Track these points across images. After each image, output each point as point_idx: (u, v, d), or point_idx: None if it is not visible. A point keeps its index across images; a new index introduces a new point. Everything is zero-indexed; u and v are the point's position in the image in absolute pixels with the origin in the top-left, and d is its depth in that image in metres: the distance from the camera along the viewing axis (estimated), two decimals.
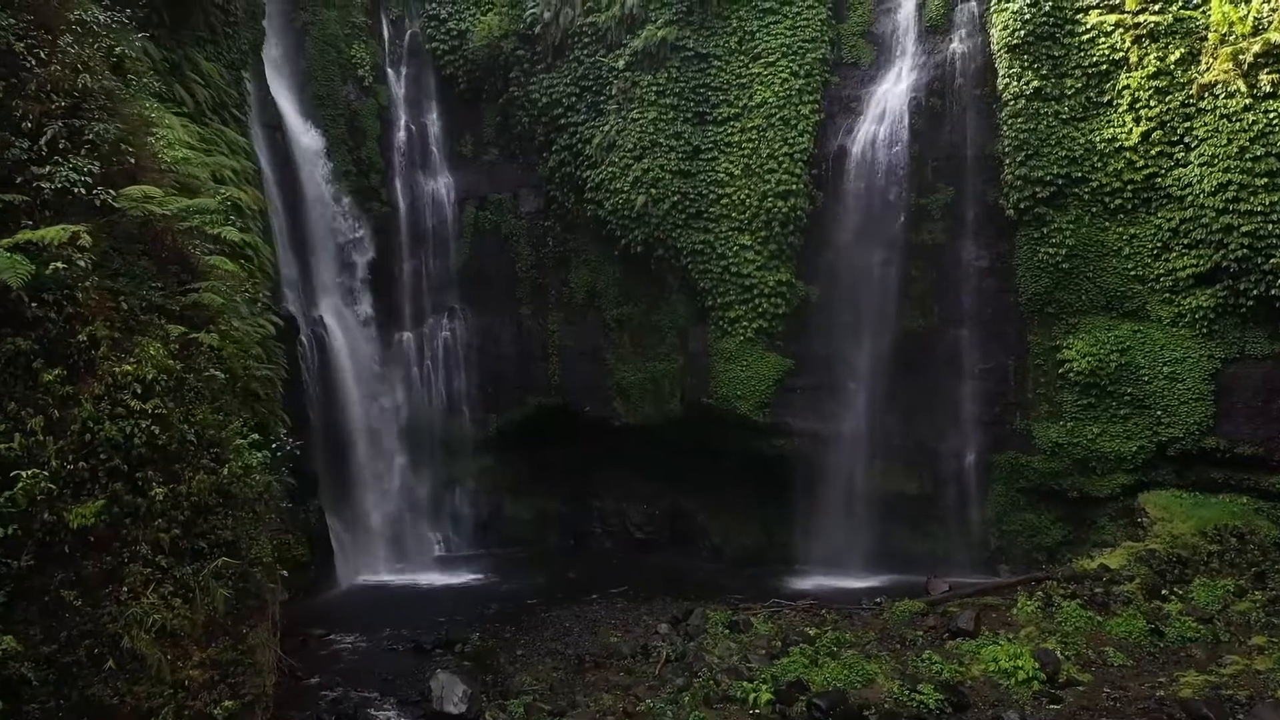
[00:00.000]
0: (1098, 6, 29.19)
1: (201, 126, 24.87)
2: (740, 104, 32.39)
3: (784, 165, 31.63)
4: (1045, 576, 24.55)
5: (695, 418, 33.09)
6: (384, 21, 35.79)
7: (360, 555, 31.04)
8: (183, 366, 13.48)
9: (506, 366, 35.55)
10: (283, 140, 30.99)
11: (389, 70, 35.71)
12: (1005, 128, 29.82)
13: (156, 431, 12.73)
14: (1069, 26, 29.40)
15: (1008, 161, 29.82)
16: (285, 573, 16.66)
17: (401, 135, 35.63)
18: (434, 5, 35.62)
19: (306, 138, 31.96)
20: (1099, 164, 29.04)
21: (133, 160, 14.32)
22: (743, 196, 31.91)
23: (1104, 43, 28.99)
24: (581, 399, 34.86)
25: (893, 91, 31.54)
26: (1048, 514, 30.08)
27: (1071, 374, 29.24)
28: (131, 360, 12.69)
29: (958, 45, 31.07)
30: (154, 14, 23.52)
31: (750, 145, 32.06)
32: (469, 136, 36.24)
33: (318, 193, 31.88)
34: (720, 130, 32.50)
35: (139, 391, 12.66)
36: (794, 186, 31.55)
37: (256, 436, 14.38)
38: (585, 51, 33.77)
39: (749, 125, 32.18)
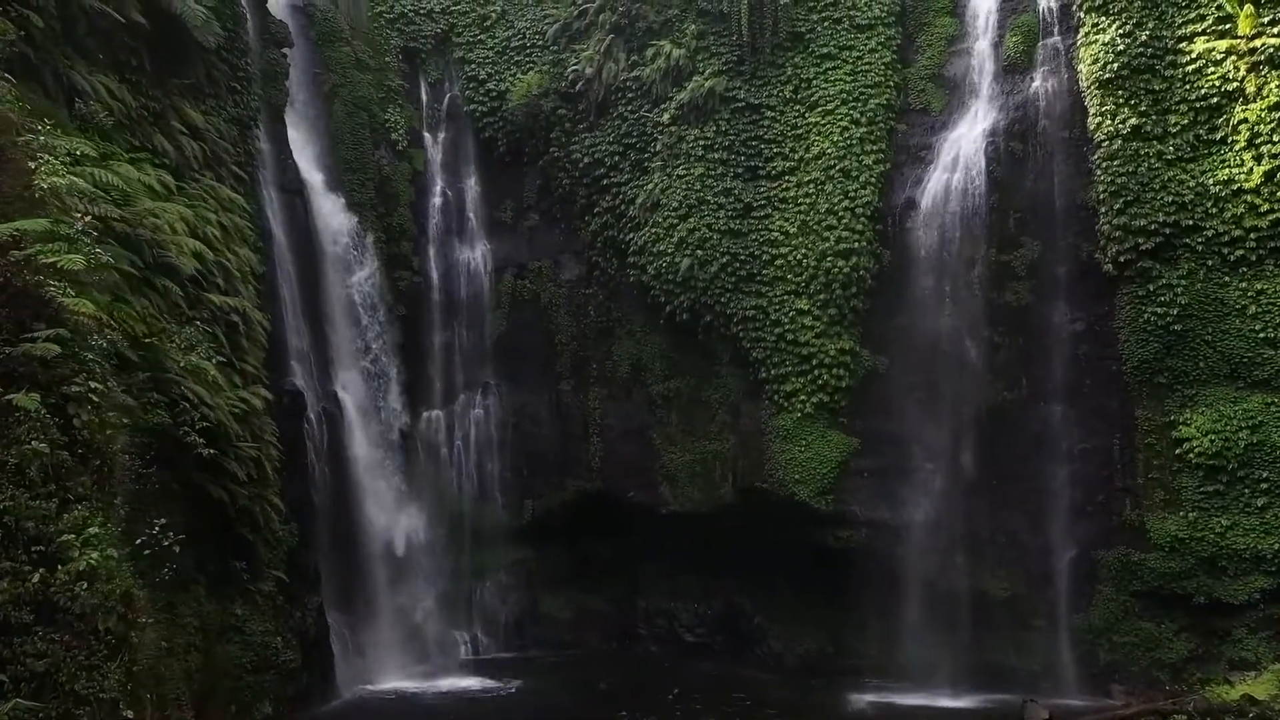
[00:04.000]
0: (1205, 33, 24.83)
1: (188, 181, 21.99)
2: (796, 156, 28.69)
3: (845, 221, 27.65)
4: (1171, 708, 19.13)
5: (749, 505, 28.67)
6: (422, 85, 33.24)
7: (371, 659, 27.00)
8: None
9: (544, 447, 31.71)
10: (302, 204, 28.17)
11: (426, 134, 32.98)
12: (1099, 172, 25.49)
13: None
14: (1171, 57, 25.10)
15: (1104, 210, 25.38)
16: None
17: (437, 201, 32.67)
18: (473, 66, 32.93)
19: (329, 203, 29.14)
20: (1214, 210, 24.38)
21: None
22: (799, 256, 27.97)
23: (1213, 73, 24.58)
24: (625, 483, 30.74)
25: (967, 137, 27.55)
26: (1169, 623, 24.51)
27: (1192, 455, 24.07)
28: None
29: (1040, 84, 26.97)
30: (133, 58, 20.82)
31: (807, 200, 28.19)
32: (508, 202, 33.09)
33: (340, 260, 28.90)
34: (774, 185, 28.78)
35: None
36: (856, 244, 27.52)
37: (96, 530, 10.54)
38: (629, 108, 30.59)
39: (805, 179, 28.37)
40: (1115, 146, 25.24)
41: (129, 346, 16.67)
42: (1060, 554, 25.88)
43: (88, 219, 12.52)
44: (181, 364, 17.06)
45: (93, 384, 11.35)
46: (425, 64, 33.22)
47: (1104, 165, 25.39)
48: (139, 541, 11.96)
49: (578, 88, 31.27)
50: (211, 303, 21.07)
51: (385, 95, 31.82)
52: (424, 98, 33.23)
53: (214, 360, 18.42)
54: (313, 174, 29.10)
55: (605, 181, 30.81)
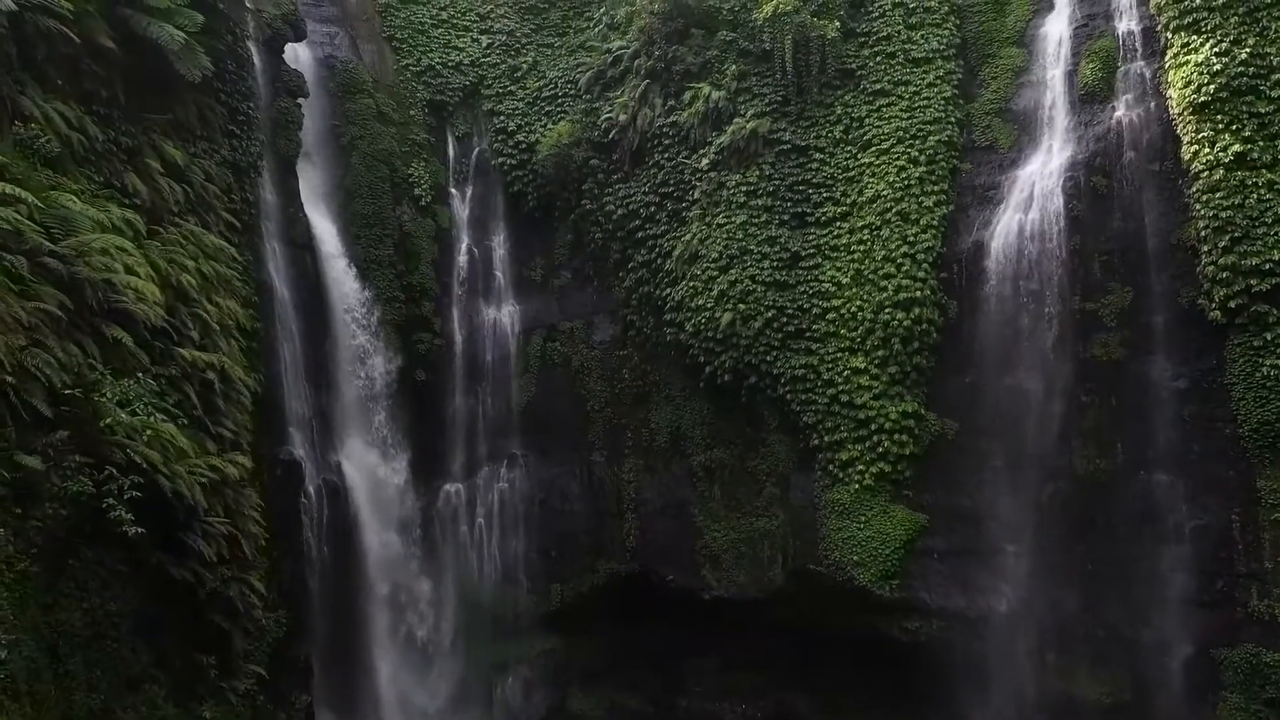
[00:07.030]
0: None
1: (165, 224, 19.42)
2: (848, 200, 25.94)
3: (904, 269, 24.73)
4: None
5: (802, 590, 25.62)
6: (449, 139, 30.86)
7: None
8: None
9: (574, 525, 28.61)
10: (312, 260, 25.76)
11: (452, 190, 30.50)
12: (1199, 206, 22.22)
13: None
14: (1277, 75, 21.82)
15: (1207, 249, 22.04)
16: None
17: (462, 259, 30.00)
18: (502, 118, 30.53)
19: (342, 259, 26.64)
20: None
21: None
22: (853, 309, 25.19)
23: None
24: (663, 565, 27.59)
25: (1041, 174, 24.60)
26: None
27: None
28: None
29: (1123, 113, 24.02)
30: (103, 88, 18.49)
31: (861, 248, 25.29)
32: (538, 259, 30.37)
33: (350, 320, 26.33)
34: (824, 232, 26.06)
35: None
36: (918, 294, 24.59)
37: None
38: (665, 155, 28.00)
39: (859, 224, 25.45)
40: (1216, 177, 21.88)
41: (44, 400, 13.88)
42: (1173, 652, 22.27)
43: None
44: (109, 421, 14.02)
45: None
46: (453, 117, 30.92)
47: (1204, 199, 22.01)
48: None
49: (611, 136, 28.73)
50: (182, 358, 18.25)
51: (409, 149, 29.51)
52: (451, 152, 30.85)
53: (151, 419, 15.26)
54: (325, 228, 26.75)
55: (640, 234, 28.08)
